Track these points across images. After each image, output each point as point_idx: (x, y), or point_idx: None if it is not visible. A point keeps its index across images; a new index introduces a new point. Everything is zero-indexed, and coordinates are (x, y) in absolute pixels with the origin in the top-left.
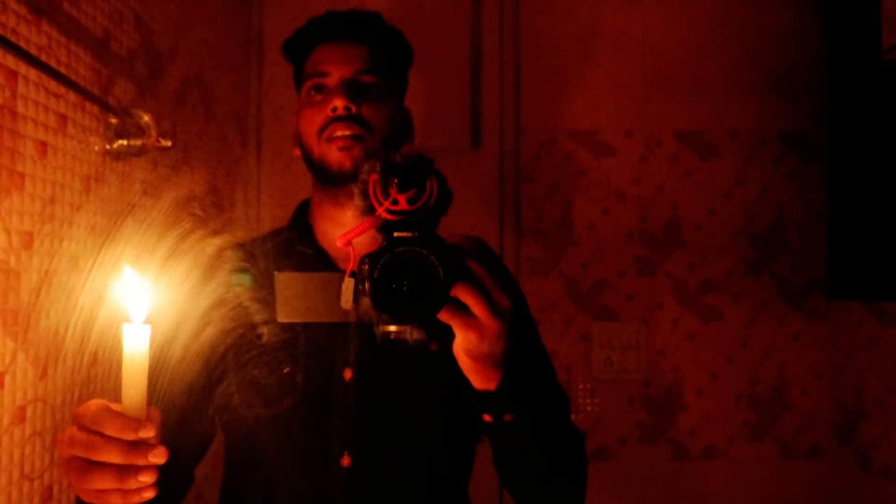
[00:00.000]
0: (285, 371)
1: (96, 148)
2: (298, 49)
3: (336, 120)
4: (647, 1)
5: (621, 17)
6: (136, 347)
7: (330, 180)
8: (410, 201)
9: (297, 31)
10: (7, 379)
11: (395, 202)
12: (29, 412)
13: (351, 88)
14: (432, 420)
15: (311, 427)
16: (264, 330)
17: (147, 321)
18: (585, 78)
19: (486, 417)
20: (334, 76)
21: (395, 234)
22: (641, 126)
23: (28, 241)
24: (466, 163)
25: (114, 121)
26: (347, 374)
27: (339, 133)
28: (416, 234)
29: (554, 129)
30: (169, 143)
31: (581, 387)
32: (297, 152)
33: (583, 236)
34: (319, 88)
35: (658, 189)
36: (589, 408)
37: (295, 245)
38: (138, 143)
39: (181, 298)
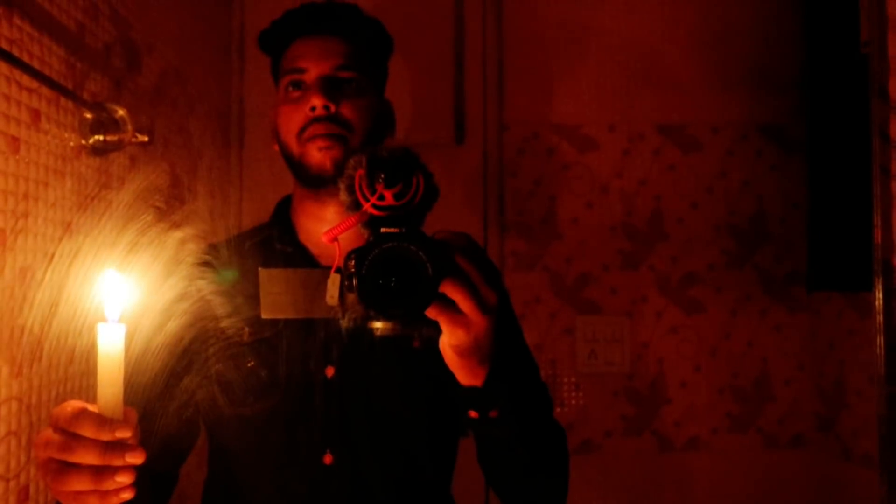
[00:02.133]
0: (267, 369)
1: (71, 143)
2: (275, 42)
3: (316, 120)
4: None
5: (604, 12)
6: (111, 347)
7: (311, 181)
8: (397, 197)
9: (272, 23)
10: None
11: (381, 198)
12: (3, 411)
13: (329, 86)
14: (415, 417)
15: (292, 425)
16: (246, 328)
17: (124, 320)
18: (568, 72)
19: (472, 413)
20: (312, 73)
21: (382, 230)
22: (624, 120)
23: (1, 237)
24: (450, 158)
25: (88, 116)
26: (329, 371)
27: (318, 133)
28: (403, 229)
29: (537, 123)
30: (146, 139)
31: (566, 380)
32: (276, 147)
33: (567, 230)
34: (297, 85)
35: (641, 182)
36: (573, 401)
37: (275, 243)
38: (115, 138)
39: (160, 298)
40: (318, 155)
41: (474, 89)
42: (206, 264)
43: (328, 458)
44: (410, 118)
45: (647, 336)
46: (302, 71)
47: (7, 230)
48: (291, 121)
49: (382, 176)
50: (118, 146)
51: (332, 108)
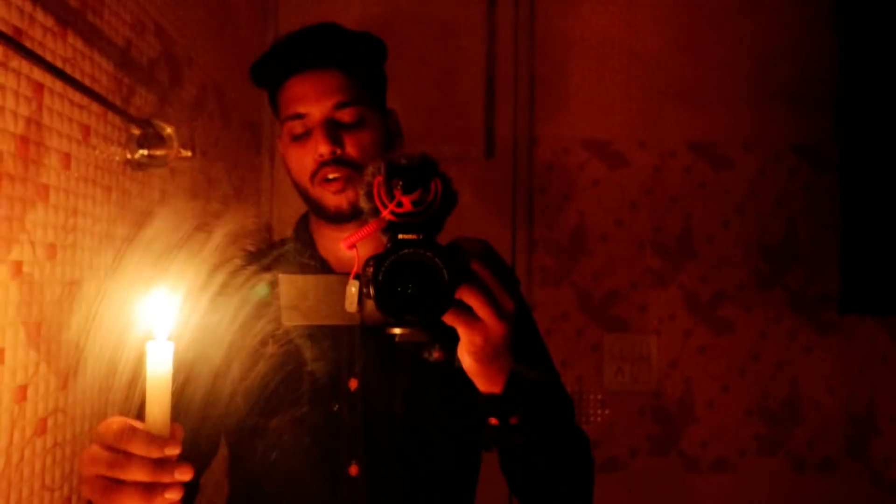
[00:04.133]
0: (291, 381)
1: (117, 158)
2: (268, 80)
3: (325, 164)
4: (662, 13)
5: (636, 28)
6: (160, 365)
7: (329, 219)
8: (415, 203)
9: (263, 57)
10: (30, 391)
11: (399, 204)
12: (50, 423)
13: (333, 129)
14: (439, 428)
15: (317, 438)
16: (269, 340)
17: (170, 338)
18: (599, 88)
19: (493, 421)
20: (314, 116)
21: (400, 237)
22: (655, 137)
23: (52, 252)
24: (480, 172)
25: (136, 132)
26: (353, 383)
27: (330, 176)
28: (421, 235)
29: (568, 138)
30: (189, 154)
31: (592, 397)
32: (291, 180)
33: (595, 247)
34: (302, 129)
35: (671, 200)
36: (599, 418)
37: (298, 255)
38: (159, 153)
39: (198, 313)
40: (333, 199)
41: (505, 104)
42: (230, 277)
43: (354, 470)
44: (441, 131)
45: (674, 355)
46: (303, 116)
47: (57, 245)
48: (302, 164)
49: (400, 183)
50: (163, 162)
51: (339, 152)
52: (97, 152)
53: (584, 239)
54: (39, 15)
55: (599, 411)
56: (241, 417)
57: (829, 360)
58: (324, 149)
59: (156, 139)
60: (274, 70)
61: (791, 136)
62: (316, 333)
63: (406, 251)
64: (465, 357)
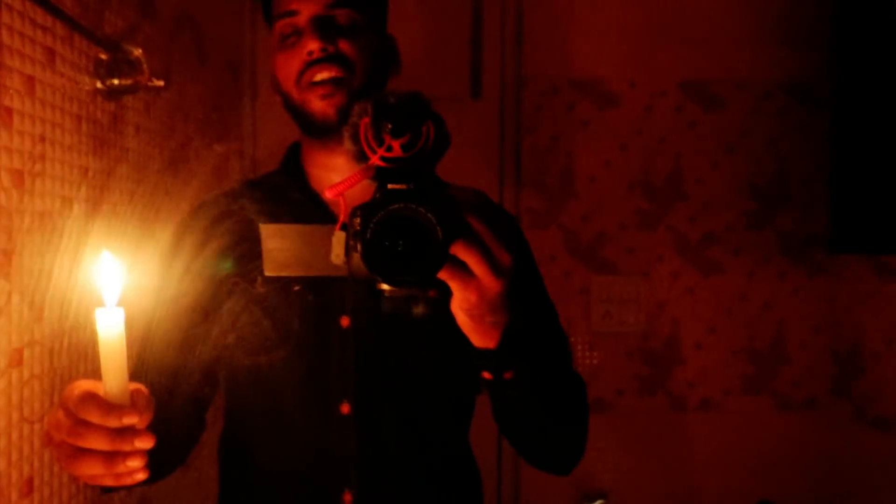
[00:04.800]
0: (280, 318)
1: (87, 86)
2: None
3: (313, 63)
4: None
5: None
6: (111, 331)
7: (315, 130)
8: (405, 147)
9: None
10: (2, 320)
11: (388, 148)
12: (26, 355)
13: (324, 26)
14: (432, 369)
15: (308, 375)
16: (258, 277)
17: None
18: (590, 25)
19: (486, 375)
20: (304, 14)
21: (389, 186)
22: (646, 75)
23: (19, 179)
24: (466, 112)
25: (103, 56)
26: (344, 321)
27: (318, 77)
28: (412, 184)
29: (557, 78)
30: (161, 83)
31: (580, 340)
32: (279, 98)
33: (584, 188)
34: (291, 29)
35: (661, 140)
36: (587, 360)
37: (286, 191)
38: (129, 81)
39: (169, 252)
40: (319, 103)
41: (492, 42)
42: (217, 214)
43: (345, 408)
44: (426, 71)
45: (662, 296)
46: (294, 13)
47: (24, 172)
48: (289, 68)
49: (389, 125)
50: (133, 89)
51: (331, 49)
52: (64, 79)
53: (572, 181)
54: None
55: (587, 353)
56: (232, 355)
57: (816, 301)
58: (313, 44)
59: (126, 67)
60: None
61: (782, 74)
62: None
63: (396, 206)
64: (459, 313)
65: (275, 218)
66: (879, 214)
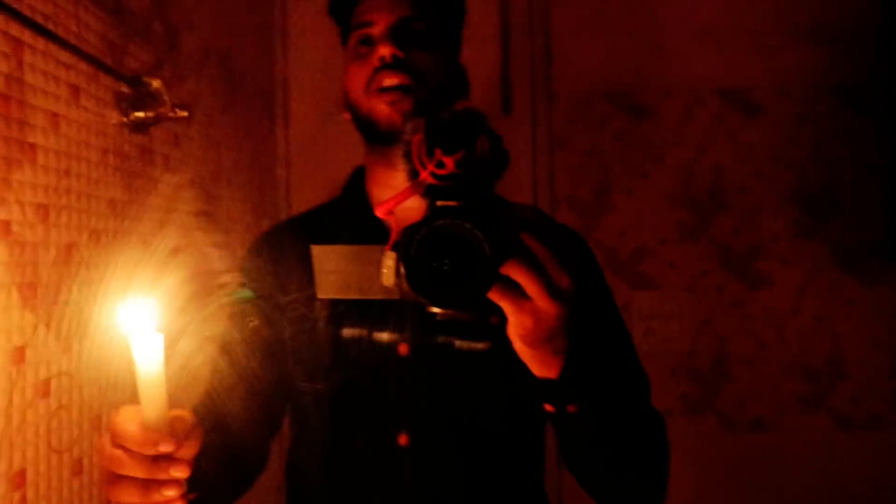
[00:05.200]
0: (339, 344)
1: (112, 120)
2: (344, 4)
3: (383, 68)
4: None
5: None
6: (150, 359)
7: (380, 138)
8: (458, 164)
9: None
10: (29, 352)
11: (440, 165)
12: (53, 385)
13: (397, 34)
14: (494, 398)
15: (365, 403)
16: (316, 304)
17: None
18: (620, 35)
19: (548, 407)
20: (380, 24)
21: (438, 203)
22: (682, 84)
23: (44, 213)
24: (497, 130)
25: (126, 90)
26: (403, 348)
27: (386, 83)
28: (463, 202)
29: (588, 91)
30: (185, 114)
31: None
32: (347, 116)
33: (621, 202)
34: (365, 40)
35: (700, 150)
36: None
37: (345, 214)
38: (152, 113)
39: (224, 283)
40: (386, 109)
41: (521, 57)
42: (277, 243)
43: (403, 439)
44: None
45: (707, 312)
46: (369, 24)
47: (50, 206)
48: (359, 76)
49: (441, 140)
50: (156, 120)
51: (401, 55)
52: (89, 114)
53: (608, 195)
54: None
55: None
56: (293, 382)
57: (873, 313)
58: (385, 50)
59: (150, 99)
60: None
61: (828, 77)
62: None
63: (441, 221)
64: (515, 339)
65: (330, 241)
66: None
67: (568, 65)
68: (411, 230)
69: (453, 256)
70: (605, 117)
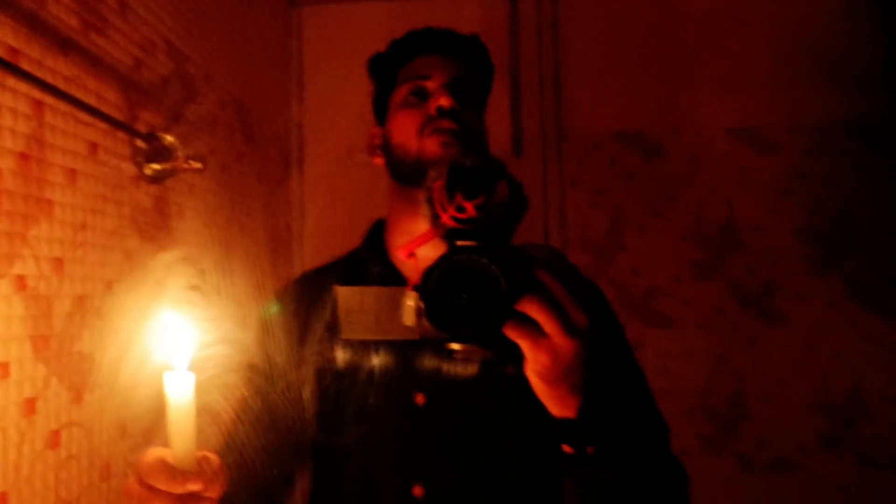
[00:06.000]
0: (356, 397)
1: (128, 173)
2: (394, 59)
3: (441, 115)
4: None
5: (666, 11)
6: (181, 396)
7: (421, 177)
8: (479, 209)
9: (393, 42)
10: (39, 404)
11: (461, 209)
12: (63, 436)
13: (455, 88)
14: (511, 449)
15: (382, 454)
16: (335, 355)
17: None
18: (629, 77)
19: (566, 448)
20: (437, 79)
21: (458, 243)
22: (691, 123)
23: (58, 267)
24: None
25: (141, 145)
26: (419, 399)
27: (444, 126)
28: (480, 243)
29: (597, 131)
30: (200, 166)
31: None
32: (378, 161)
33: (632, 241)
34: (419, 92)
35: (711, 189)
36: None
37: (366, 264)
38: (168, 165)
39: (257, 332)
40: (439, 150)
41: (531, 100)
42: (300, 290)
43: (418, 491)
44: None
45: (723, 349)
46: (426, 77)
47: (64, 259)
48: (411, 123)
49: (462, 186)
50: (171, 173)
51: (458, 108)
52: (106, 168)
53: (620, 234)
54: (38, 35)
55: None
56: (313, 427)
57: (893, 347)
58: (444, 101)
59: (165, 151)
60: (405, 48)
61: (838, 114)
62: (382, 347)
63: (459, 258)
64: (533, 377)
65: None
66: None
67: (577, 107)
68: (431, 268)
69: (470, 291)
70: (615, 157)
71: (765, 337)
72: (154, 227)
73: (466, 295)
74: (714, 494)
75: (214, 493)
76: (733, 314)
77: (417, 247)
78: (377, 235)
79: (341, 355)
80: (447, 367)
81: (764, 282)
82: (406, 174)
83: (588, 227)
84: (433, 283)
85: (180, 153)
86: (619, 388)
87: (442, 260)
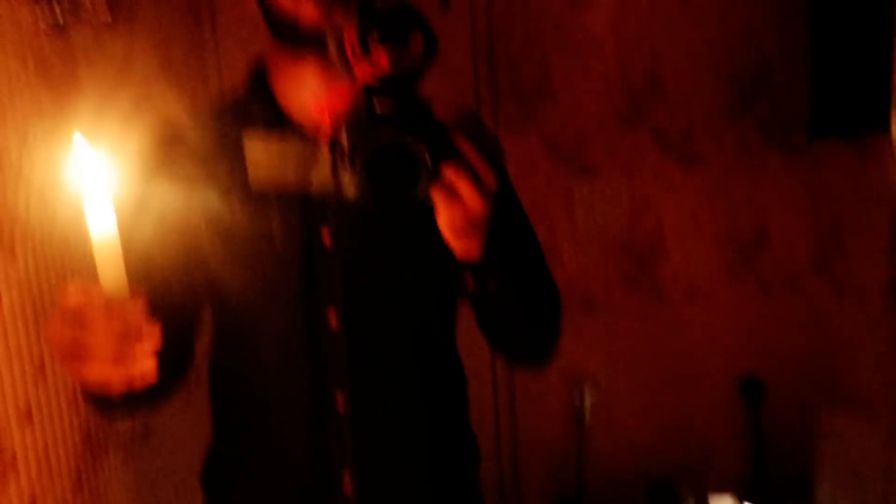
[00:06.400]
0: (260, 236)
1: (34, 25)
2: None
3: None
4: None
5: None
6: (103, 226)
7: (298, 39)
8: (392, 58)
9: None
10: None
11: (373, 62)
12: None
13: None
14: (416, 277)
15: (294, 292)
16: (237, 198)
17: (110, 198)
18: None
19: (469, 285)
20: None
21: (375, 99)
22: None
23: None
24: (435, 22)
25: None
26: (326, 234)
27: None
28: (398, 98)
29: None
30: (108, 19)
31: (565, 242)
32: (252, 3)
33: (561, 91)
34: None
35: (637, 37)
36: (573, 262)
37: (256, 110)
38: (74, 16)
39: (143, 177)
40: (312, 10)
41: None
42: (194, 136)
43: (333, 322)
44: None
45: (645, 194)
46: None
47: None
48: None
49: (377, 35)
50: (77, 21)
51: None
52: (5, 21)
53: (549, 84)
54: None
55: (573, 254)
56: (217, 273)
57: (797, 185)
58: None
59: (70, 5)
60: None
61: None
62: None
63: (387, 136)
64: (445, 230)
65: (250, 136)
66: (859, 96)
67: None
68: (355, 138)
69: (397, 169)
70: (543, 7)
71: (683, 179)
72: (63, 81)
73: (393, 171)
74: (635, 324)
75: (154, 332)
76: (654, 160)
77: (336, 110)
78: (260, 80)
79: (243, 199)
80: (352, 205)
81: (684, 127)
82: (278, 31)
83: (517, 78)
84: (361, 162)
85: (87, 3)
86: (511, 228)
87: (366, 133)
